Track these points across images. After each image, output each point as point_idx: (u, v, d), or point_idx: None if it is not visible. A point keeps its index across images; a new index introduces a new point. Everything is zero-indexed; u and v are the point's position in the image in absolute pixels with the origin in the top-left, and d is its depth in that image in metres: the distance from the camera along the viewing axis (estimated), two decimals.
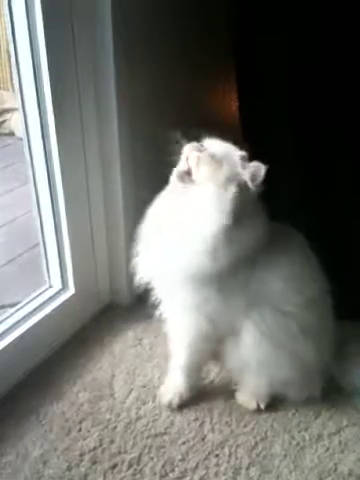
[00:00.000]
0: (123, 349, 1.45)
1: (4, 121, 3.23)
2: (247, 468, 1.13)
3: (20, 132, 1.87)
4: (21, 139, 1.40)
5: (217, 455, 1.16)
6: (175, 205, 1.10)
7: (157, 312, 1.22)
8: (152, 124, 1.48)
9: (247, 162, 1.05)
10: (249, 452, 1.16)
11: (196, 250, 1.06)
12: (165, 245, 1.10)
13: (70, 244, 1.43)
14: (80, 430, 1.21)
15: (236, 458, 1.15)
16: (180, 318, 1.19)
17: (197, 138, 1.09)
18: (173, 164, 1.10)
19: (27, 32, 1.21)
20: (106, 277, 1.59)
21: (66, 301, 1.46)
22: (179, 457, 1.15)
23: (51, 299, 1.45)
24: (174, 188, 1.10)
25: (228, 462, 1.14)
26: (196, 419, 1.24)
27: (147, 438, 1.20)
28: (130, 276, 1.22)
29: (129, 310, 1.58)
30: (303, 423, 1.23)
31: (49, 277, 1.50)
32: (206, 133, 1.10)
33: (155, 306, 1.22)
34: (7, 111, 3.21)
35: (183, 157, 1.08)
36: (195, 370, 1.27)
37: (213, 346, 1.23)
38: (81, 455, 1.16)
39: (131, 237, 1.20)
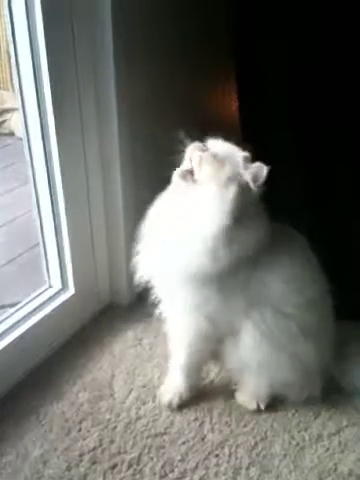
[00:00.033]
0: (123, 349, 1.45)
1: (4, 121, 3.23)
2: (247, 468, 1.13)
3: (20, 132, 1.87)
4: (21, 139, 1.40)
5: (217, 455, 1.16)
6: (176, 205, 1.10)
7: (157, 311, 1.22)
8: (152, 124, 1.48)
9: (250, 163, 1.05)
10: (249, 452, 1.16)
11: (196, 250, 1.06)
12: (166, 244, 1.11)
13: (70, 244, 1.43)
14: (80, 430, 1.21)
15: (236, 458, 1.15)
16: (180, 318, 1.19)
17: (200, 138, 1.09)
18: (174, 164, 1.10)
19: (27, 32, 1.21)
20: (106, 277, 1.59)
21: (66, 301, 1.46)
22: (179, 457, 1.15)
23: (51, 299, 1.45)
24: (176, 188, 1.10)
25: (228, 462, 1.14)
26: (196, 419, 1.24)
27: (147, 438, 1.20)
28: (130, 276, 1.22)
29: (129, 310, 1.58)
30: (303, 423, 1.23)
31: (49, 277, 1.50)
32: (206, 133, 1.10)
33: (155, 305, 1.22)
34: (7, 111, 3.21)
35: (186, 157, 1.08)
36: (195, 370, 1.27)
37: (213, 346, 1.23)
38: (81, 455, 1.16)
39: (131, 237, 1.20)
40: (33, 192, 1.40)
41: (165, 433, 1.21)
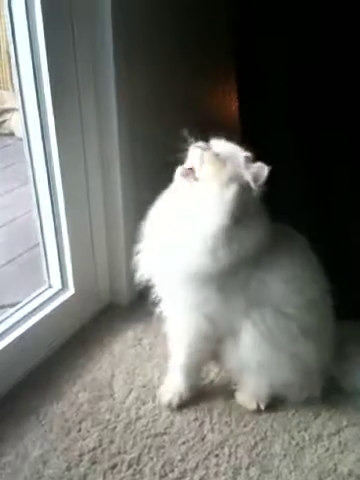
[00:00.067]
0: (123, 349, 1.45)
1: (4, 121, 3.23)
2: (247, 468, 1.13)
3: (20, 132, 1.87)
4: (21, 139, 1.40)
5: (217, 455, 1.16)
6: (178, 203, 1.10)
7: (157, 310, 1.22)
8: (152, 124, 1.48)
9: (251, 163, 1.05)
10: (249, 452, 1.16)
11: (197, 249, 1.06)
12: (167, 244, 1.11)
13: (70, 244, 1.43)
14: (80, 430, 1.21)
15: (236, 458, 1.15)
16: (180, 317, 1.19)
17: (202, 138, 1.10)
18: (174, 164, 1.10)
19: (27, 33, 1.21)
20: (106, 277, 1.59)
21: (66, 301, 1.46)
22: (179, 457, 1.15)
23: (51, 299, 1.45)
24: (178, 186, 1.11)
25: (228, 462, 1.14)
26: (196, 419, 1.24)
27: (147, 438, 1.20)
28: (130, 276, 1.23)
29: (129, 310, 1.58)
30: (303, 423, 1.23)
31: (49, 277, 1.50)
32: (206, 133, 1.10)
33: (155, 304, 1.22)
34: (7, 111, 3.21)
35: (189, 155, 1.09)
36: (195, 370, 1.27)
37: (213, 346, 1.23)
38: (81, 455, 1.16)
39: (131, 237, 1.20)
40: (33, 192, 1.40)
41: (165, 433, 1.21)
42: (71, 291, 1.48)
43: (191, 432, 1.21)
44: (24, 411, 1.25)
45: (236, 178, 1.04)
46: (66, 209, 1.38)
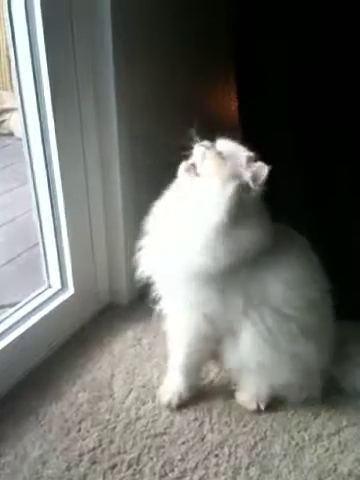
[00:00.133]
0: (122, 349, 1.45)
1: (3, 121, 3.23)
2: (247, 468, 1.13)
3: (19, 132, 1.87)
4: (20, 139, 1.40)
5: (217, 455, 1.16)
6: (180, 200, 1.11)
7: (157, 308, 1.22)
8: (152, 124, 1.48)
9: (252, 162, 1.06)
10: (249, 452, 1.16)
11: (197, 249, 1.06)
12: (168, 241, 1.11)
13: (69, 244, 1.43)
14: (79, 430, 1.21)
15: (236, 458, 1.15)
16: (180, 316, 1.19)
17: (210, 138, 1.11)
18: (174, 164, 1.11)
19: (26, 32, 1.21)
20: (105, 277, 1.59)
21: (65, 301, 1.46)
22: (178, 457, 1.15)
23: (50, 299, 1.45)
24: (180, 182, 1.12)
25: (228, 462, 1.14)
26: (195, 419, 1.24)
27: (146, 438, 1.19)
28: (129, 276, 1.23)
29: (128, 310, 1.58)
30: (303, 423, 1.23)
31: (48, 277, 1.50)
32: (206, 133, 1.11)
33: (155, 302, 1.22)
34: (6, 111, 3.21)
35: (193, 153, 1.10)
36: (194, 370, 1.27)
37: (212, 346, 1.22)
38: (80, 455, 1.16)
39: (130, 237, 1.20)
40: (32, 192, 1.40)
41: (165, 433, 1.21)
42: (71, 291, 1.48)
43: (191, 432, 1.21)
44: (23, 411, 1.25)
45: (236, 176, 1.05)
46: (66, 209, 1.38)
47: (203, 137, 1.10)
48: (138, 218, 1.18)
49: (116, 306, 1.60)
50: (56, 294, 1.47)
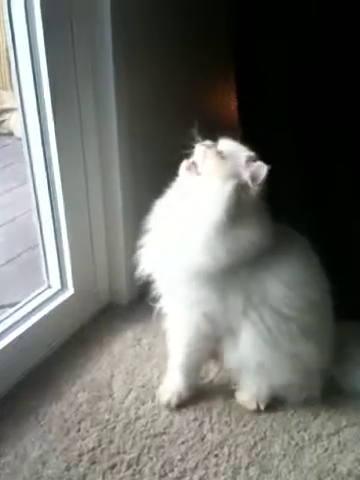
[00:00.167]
0: (122, 349, 1.45)
1: (3, 121, 3.23)
2: (246, 468, 1.13)
3: (19, 132, 1.86)
4: (20, 139, 1.40)
5: (216, 455, 1.16)
6: (180, 198, 1.12)
7: (157, 306, 1.22)
8: (151, 124, 1.48)
9: (252, 162, 1.06)
10: (248, 452, 1.16)
11: (197, 248, 1.07)
12: (169, 240, 1.11)
13: (69, 244, 1.43)
14: (79, 430, 1.21)
15: (235, 458, 1.15)
16: (180, 314, 1.19)
17: (212, 138, 1.12)
18: (174, 164, 1.11)
19: (26, 32, 1.21)
20: (105, 277, 1.59)
21: (65, 301, 1.46)
22: (178, 457, 1.15)
23: (50, 299, 1.45)
24: (181, 181, 1.12)
25: (227, 462, 1.14)
26: (195, 419, 1.24)
27: (146, 438, 1.19)
28: (129, 276, 1.23)
29: (128, 310, 1.58)
30: (302, 423, 1.23)
31: (48, 277, 1.49)
32: (206, 133, 1.11)
33: (155, 300, 1.22)
34: (6, 111, 3.21)
35: (195, 152, 1.11)
36: (194, 370, 1.27)
37: (212, 346, 1.22)
38: (80, 455, 1.16)
39: (130, 237, 1.20)
40: (32, 192, 1.40)
41: (164, 433, 1.21)
42: (70, 291, 1.48)
43: (190, 432, 1.21)
44: (23, 411, 1.25)
45: (235, 175, 1.06)
46: (65, 209, 1.38)
47: (204, 137, 1.11)
48: (138, 218, 1.18)
49: (116, 306, 1.60)
50: (56, 294, 1.47)
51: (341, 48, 1.27)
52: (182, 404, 1.27)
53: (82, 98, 1.34)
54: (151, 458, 1.15)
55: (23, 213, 2.11)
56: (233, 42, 1.38)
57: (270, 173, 1.04)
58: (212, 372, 1.35)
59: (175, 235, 1.10)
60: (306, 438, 1.20)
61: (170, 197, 1.15)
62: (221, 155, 1.08)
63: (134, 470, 1.12)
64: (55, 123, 1.29)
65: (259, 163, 1.05)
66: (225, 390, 1.30)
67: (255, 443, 1.18)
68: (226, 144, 1.12)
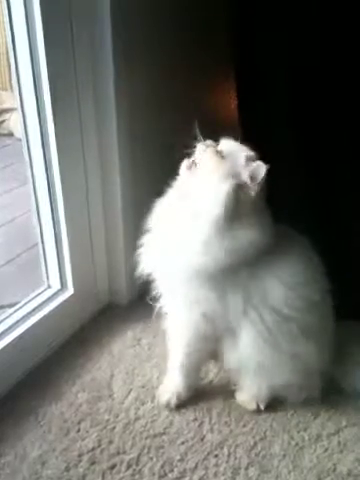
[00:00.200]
0: (122, 349, 1.45)
1: (3, 121, 3.23)
2: (246, 468, 1.13)
3: (19, 132, 1.87)
4: (20, 139, 1.40)
5: (216, 455, 1.16)
6: (180, 197, 1.12)
7: (157, 306, 1.22)
8: (151, 124, 1.48)
9: (251, 162, 1.06)
10: (248, 452, 1.16)
11: (196, 247, 1.07)
12: (169, 240, 1.11)
13: (69, 244, 1.42)
14: (79, 431, 1.21)
15: (235, 458, 1.15)
16: (180, 314, 1.19)
17: (212, 137, 1.12)
18: (173, 164, 1.11)
19: (26, 31, 1.21)
20: (105, 277, 1.59)
21: (65, 301, 1.46)
22: (178, 457, 1.15)
23: (50, 299, 1.45)
24: (182, 180, 1.13)
25: (227, 462, 1.14)
26: (195, 419, 1.24)
27: (146, 438, 1.19)
28: (129, 276, 1.23)
29: (128, 310, 1.58)
30: (302, 423, 1.23)
31: (48, 277, 1.49)
32: (206, 133, 1.11)
33: (155, 300, 1.22)
34: (6, 111, 3.21)
35: (195, 151, 1.11)
36: (193, 370, 1.27)
37: (212, 346, 1.22)
38: (80, 456, 1.15)
39: (130, 237, 1.20)
40: (32, 193, 1.40)
41: (164, 433, 1.21)
42: (70, 291, 1.48)
43: (190, 432, 1.21)
44: (23, 411, 1.25)
45: (234, 175, 1.06)
46: (65, 209, 1.38)
47: (206, 137, 1.11)
48: (137, 218, 1.18)
49: (115, 306, 1.60)
50: (55, 294, 1.47)
51: (341, 48, 1.27)
52: (182, 404, 1.26)
53: (82, 98, 1.34)
54: (151, 458, 1.15)
55: (23, 213, 2.11)
56: (233, 42, 1.38)
57: (270, 173, 1.04)
58: (212, 372, 1.35)
59: (175, 234, 1.10)
60: (306, 438, 1.20)
61: (171, 196, 1.16)
62: (221, 155, 1.08)
63: (134, 470, 1.12)
64: (55, 123, 1.28)
65: (258, 163, 1.05)
66: (225, 390, 1.30)
67: (255, 443, 1.18)
68: (227, 144, 1.12)
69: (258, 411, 1.25)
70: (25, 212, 2.06)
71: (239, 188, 1.05)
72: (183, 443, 1.18)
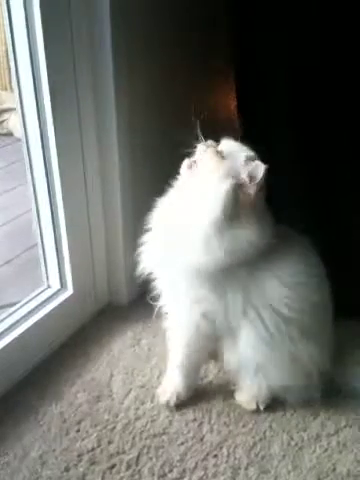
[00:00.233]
0: (122, 349, 1.45)
1: (3, 121, 3.23)
2: (246, 468, 1.13)
3: (18, 132, 1.86)
4: (19, 139, 1.40)
5: (216, 455, 1.16)
6: (181, 196, 1.12)
7: (157, 305, 1.22)
8: (151, 123, 1.48)
9: (251, 162, 1.06)
10: (248, 452, 1.16)
11: (196, 247, 1.07)
12: (170, 238, 1.11)
13: (68, 244, 1.42)
14: (78, 431, 1.21)
15: (235, 458, 1.15)
16: (180, 313, 1.19)
17: (213, 137, 1.13)
18: (173, 163, 1.11)
19: (25, 31, 1.21)
20: (104, 277, 1.59)
21: (64, 301, 1.46)
22: (177, 457, 1.15)
23: (49, 299, 1.45)
24: (182, 179, 1.13)
25: (227, 462, 1.14)
26: (195, 419, 1.24)
27: (145, 438, 1.19)
28: (129, 276, 1.23)
29: (128, 310, 1.58)
30: (302, 423, 1.23)
31: (47, 277, 1.49)
32: (205, 133, 1.11)
33: (155, 299, 1.22)
34: (6, 111, 3.21)
35: (196, 151, 1.12)
36: (193, 370, 1.27)
37: (212, 346, 1.22)
38: (79, 456, 1.15)
39: (130, 237, 1.20)
40: (31, 192, 1.40)
41: (164, 433, 1.21)
42: (70, 291, 1.48)
43: (190, 432, 1.21)
44: (23, 411, 1.25)
45: (233, 174, 1.06)
46: (65, 209, 1.38)
47: (206, 137, 1.12)
48: (137, 218, 1.18)
49: (115, 306, 1.60)
50: (55, 294, 1.47)
51: (341, 48, 1.27)
52: (181, 404, 1.26)
53: (81, 97, 1.34)
54: (150, 458, 1.15)
55: (22, 213, 2.11)
56: (233, 42, 1.38)
57: (270, 173, 1.04)
58: (211, 373, 1.35)
59: (175, 234, 1.11)
60: (305, 438, 1.19)
61: (172, 196, 1.16)
62: (221, 155, 1.09)
63: (133, 470, 1.12)
64: (54, 123, 1.28)
65: (257, 162, 1.06)
66: (224, 390, 1.30)
67: (254, 443, 1.18)
68: (227, 144, 1.13)
69: (257, 411, 1.25)
70: (25, 212, 2.06)
71: (239, 188, 1.05)
72: (183, 443, 1.18)
